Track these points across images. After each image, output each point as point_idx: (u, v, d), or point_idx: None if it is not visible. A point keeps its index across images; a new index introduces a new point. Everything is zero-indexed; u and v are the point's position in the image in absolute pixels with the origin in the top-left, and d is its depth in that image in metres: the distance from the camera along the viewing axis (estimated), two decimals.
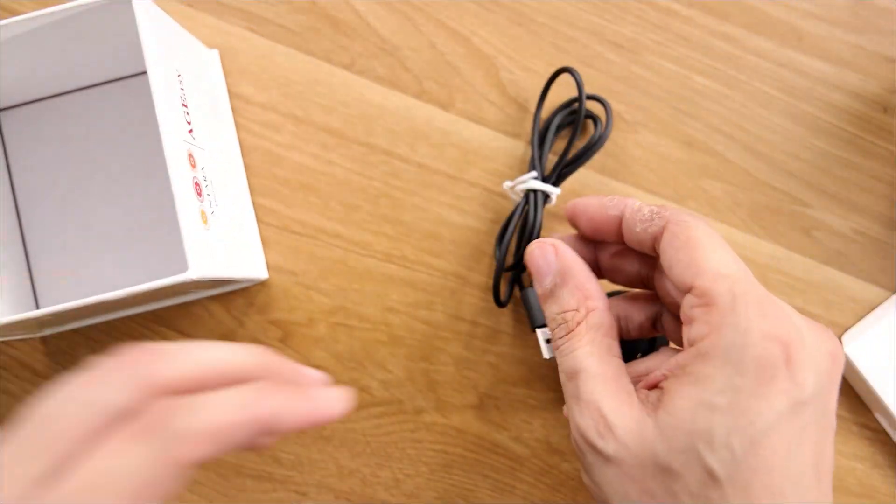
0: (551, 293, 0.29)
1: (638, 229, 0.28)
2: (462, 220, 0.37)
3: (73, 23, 0.30)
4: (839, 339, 0.36)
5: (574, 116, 0.36)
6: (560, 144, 0.37)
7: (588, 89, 0.37)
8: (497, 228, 0.37)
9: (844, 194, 0.37)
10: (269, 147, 0.37)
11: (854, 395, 0.36)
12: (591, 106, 0.37)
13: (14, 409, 0.37)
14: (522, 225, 0.34)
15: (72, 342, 0.37)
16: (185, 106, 0.31)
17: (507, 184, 0.35)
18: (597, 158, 0.37)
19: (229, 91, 0.38)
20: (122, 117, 0.37)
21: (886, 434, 0.35)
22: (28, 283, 0.36)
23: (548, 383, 0.36)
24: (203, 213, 0.30)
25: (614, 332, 0.28)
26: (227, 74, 0.38)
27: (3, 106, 0.37)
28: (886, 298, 0.36)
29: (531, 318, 0.34)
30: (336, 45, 0.38)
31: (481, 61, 0.38)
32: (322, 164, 0.37)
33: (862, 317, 0.36)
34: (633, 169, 0.37)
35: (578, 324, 0.28)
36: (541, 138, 0.36)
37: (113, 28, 0.31)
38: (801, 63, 0.37)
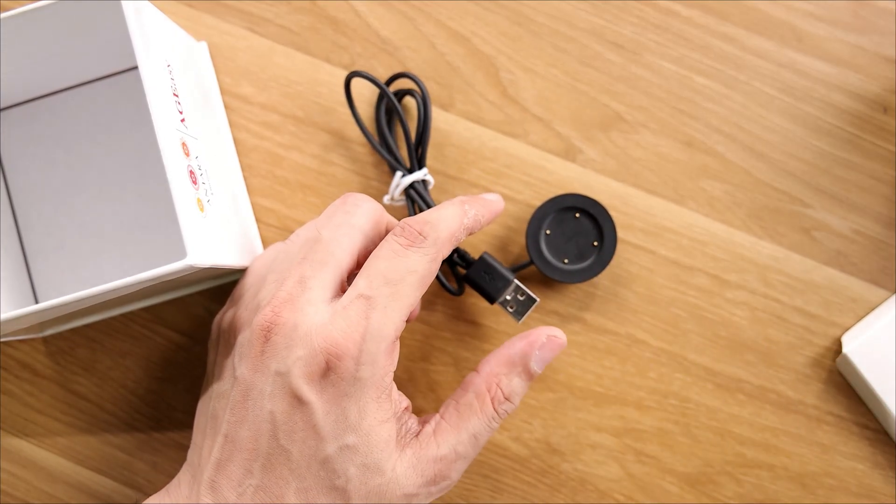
0: None
1: None
2: None
3: (59, 18, 0.31)
4: (839, 339, 0.36)
5: (391, 107, 0.36)
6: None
7: (588, 89, 0.37)
8: (497, 229, 0.37)
9: (844, 194, 0.37)
10: (269, 147, 0.37)
11: (854, 395, 0.36)
12: (403, 84, 0.37)
13: (14, 409, 0.37)
14: None
15: (72, 342, 0.37)
16: (177, 96, 0.31)
17: (387, 199, 0.35)
18: (597, 160, 0.37)
19: (229, 91, 0.38)
20: (114, 114, 0.37)
21: (886, 434, 0.35)
22: (27, 283, 0.36)
23: (547, 384, 0.36)
24: (199, 201, 0.30)
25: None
26: (227, 74, 0.38)
27: None
28: (886, 298, 0.36)
29: (489, 294, 0.35)
30: (336, 45, 0.38)
31: (481, 61, 0.38)
32: (322, 164, 0.37)
33: (862, 317, 0.36)
34: (633, 169, 0.37)
35: None
36: (382, 140, 0.36)
37: (100, 22, 0.31)
38: (801, 63, 0.37)
